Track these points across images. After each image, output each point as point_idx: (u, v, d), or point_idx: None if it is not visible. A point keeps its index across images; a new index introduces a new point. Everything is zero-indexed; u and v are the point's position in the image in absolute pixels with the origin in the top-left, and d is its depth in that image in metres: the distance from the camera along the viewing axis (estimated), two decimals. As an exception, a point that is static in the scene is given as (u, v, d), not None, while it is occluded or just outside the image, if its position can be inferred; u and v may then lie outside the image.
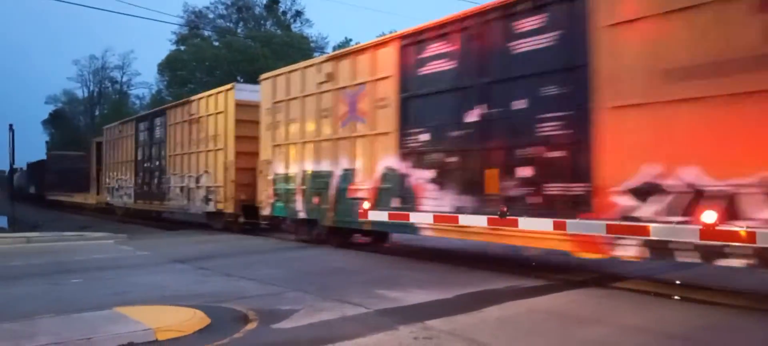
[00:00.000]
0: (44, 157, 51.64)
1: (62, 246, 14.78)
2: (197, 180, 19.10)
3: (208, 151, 18.49)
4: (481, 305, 7.22)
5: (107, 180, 27.62)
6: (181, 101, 21.51)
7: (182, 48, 50.80)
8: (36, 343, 5.35)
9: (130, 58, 72.09)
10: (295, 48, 48.02)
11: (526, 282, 8.74)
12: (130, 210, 24.85)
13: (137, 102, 68.98)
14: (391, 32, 14.00)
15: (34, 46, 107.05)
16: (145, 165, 23.08)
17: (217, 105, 18.33)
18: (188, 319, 6.30)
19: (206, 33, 51.99)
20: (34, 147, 70.59)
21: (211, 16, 53.83)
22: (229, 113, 17.60)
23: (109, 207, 27.63)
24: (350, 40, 56.41)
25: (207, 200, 18.58)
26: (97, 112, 73.15)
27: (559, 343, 5.65)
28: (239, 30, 53.06)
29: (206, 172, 18.63)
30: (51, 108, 77.85)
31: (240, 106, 17.36)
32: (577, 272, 9.42)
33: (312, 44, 53.09)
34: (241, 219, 17.36)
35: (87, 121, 73.98)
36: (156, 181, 22.16)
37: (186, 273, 10.30)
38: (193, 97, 20.38)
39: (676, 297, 7.54)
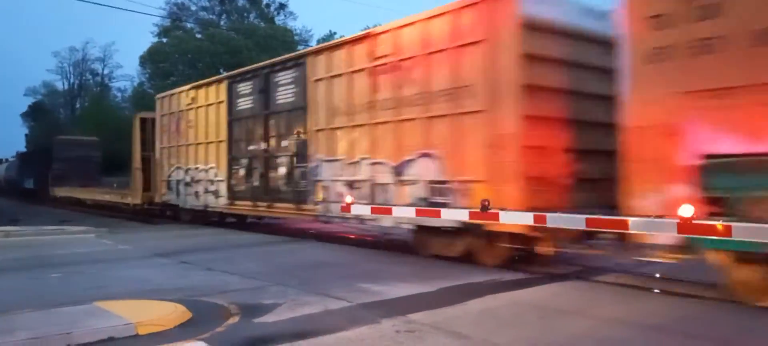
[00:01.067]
0: (25, 147, 50.51)
1: (42, 240, 14.61)
2: (397, 172, 10.89)
3: (434, 117, 10.18)
4: (463, 298, 7.27)
5: (166, 171, 19.47)
6: (349, 38, 12.43)
7: (164, 40, 50.30)
8: (15, 338, 5.28)
9: (111, 51, 71.19)
10: (278, 40, 47.78)
11: (508, 275, 8.81)
12: (218, 213, 17.42)
13: (119, 95, 68.23)
14: (375, 26, 13.96)
15: (12, 37, 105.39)
16: (252, 148, 15.32)
17: (458, 30, 9.83)
18: (169, 313, 6.27)
19: (189, 25, 51.53)
20: (13, 140, 69.61)
21: (193, 8, 53.38)
22: (503, 45, 9.07)
23: (166, 209, 20.19)
24: (335, 33, 56.26)
25: (438, 201, 10.02)
26: (77, 105, 72.25)
27: (540, 335, 5.71)
28: (222, 22, 52.65)
29: (427, 155, 10.31)
30: (30, 100, 76.71)
31: (529, 28, 8.96)
32: (559, 265, 9.51)
33: (296, 37, 52.83)
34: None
35: (67, 113, 73.05)
36: (282, 171, 14.29)
37: (167, 267, 10.23)
38: (377, 29, 11.81)
39: (656, 290, 7.65)
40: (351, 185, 11.88)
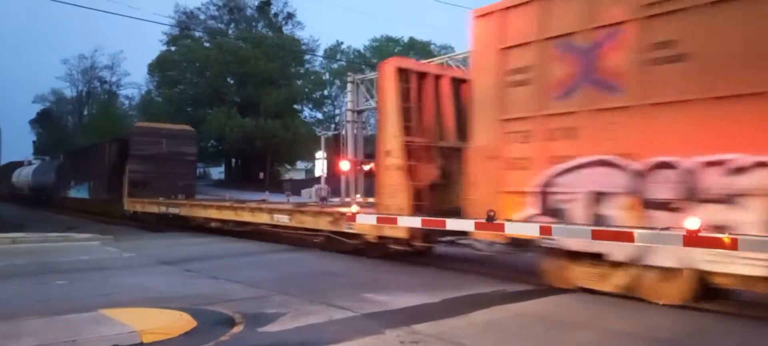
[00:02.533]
0: (33, 153, 50.03)
1: (48, 247, 14.66)
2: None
3: None
4: (467, 309, 7.23)
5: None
6: None
7: (173, 49, 50.55)
8: (20, 344, 5.30)
9: (119, 58, 71.53)
10: (286, 49, 47.95)
11: (514, 287, 8.76)
12: None
13: (126, 102, 68.59)
14: (382, 36, 14.07)
15: (22, 44, 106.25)
16: None
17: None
18: (174, 321, 6.27)
19: (197, 34, 51.80)
20: (21, 146, 69.95)
21: (202, 16, 53.66)
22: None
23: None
24: (341, 43, 56.46)
25: None
26: (85, 112, 72.66)
27: (544, 348, 5.67)
28: (230, 31, 52.91)
29: None
30: (39, 107, 77.20)
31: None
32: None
33: (303, 46, 53.01)
34: None
35: (75, 121, 73.49)
36: None
37: (172, 275, 10.24)
38: None
39: (660, 303, 7.58)
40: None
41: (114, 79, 72.24)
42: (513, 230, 8.35)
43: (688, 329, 6.35)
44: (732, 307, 7.16)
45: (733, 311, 7.04)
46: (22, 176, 42.86)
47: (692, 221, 6.31)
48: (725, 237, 6.17)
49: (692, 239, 6.34)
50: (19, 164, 47.04)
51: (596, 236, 7.35)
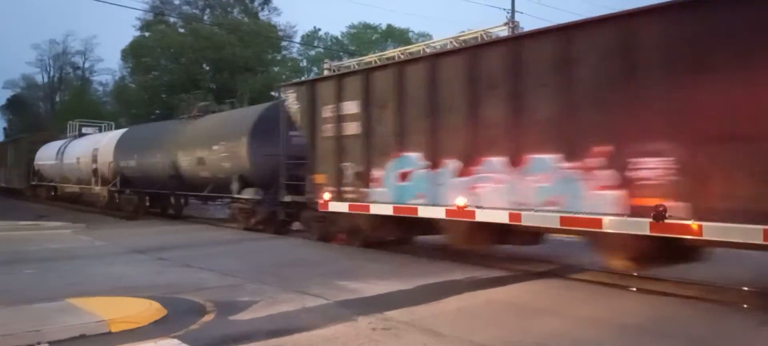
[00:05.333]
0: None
1: (17, 236, 14.39)
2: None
3: None
4: (440, 296, 7.28)
5: None
6: None
7: (147, 34, 49.71)
8: (-18, 335, 5.19)
9: (92, 44, 70.09)
10: (262, 36, 47.47)
11: (486, 273, 8.83)
12: None
13: (100, 88, 67.39)
14: (360, 23, 14.20)
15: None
16: None
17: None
18: (144, 310, 6.20)
19: (171, 19, 50.99)
20: (-10, 133, 68.39)
21: (176, 2, 52.80)
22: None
23: None
24: (319, 29, 56.05)
25: None
26: (57, 98, 71.23)
27: (515, 334, 5.72)
28: (205, 17, 52.19)
29: None
30: (9, 93, 75.50)
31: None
32: (536, 263, 9.56)
33: (280, 33, 52.55)
34: None
35: (47, 107, 72.02)
36: None
37: (145, 264, 10.12)
38: None
39: (632, 289, 7.70)
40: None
41: (87, 64, 70.88)
42: (483, 216, 8.55)
43: (655, 315, 6.46)
44: (696, 292, 7.32)
45: (699, 295, 7.19)
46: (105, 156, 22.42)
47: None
48: (694, 224, 6.33)
49: (658, 226, 6.52)
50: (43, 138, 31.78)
51: (564, 222, 7.59)
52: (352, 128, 11.18)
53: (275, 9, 55.30)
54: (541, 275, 8.72)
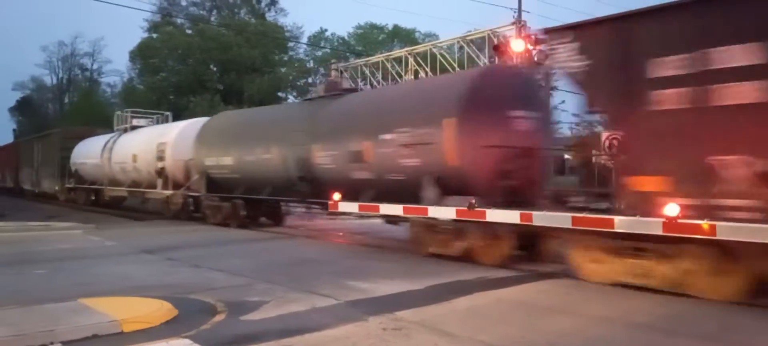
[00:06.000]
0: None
1: (28, 236, 14.48)
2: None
3: None
4: (450, 295, 7.27)
5: None
6: None
7: (154, 35, 49.91)
8: (-4, 335, 5.23)
9: (100, 45, 70.36)
10: (269, 37, 47.56)
11: (496, 273, 8.82)
12: None
13: (108, 90, 67.66)
14: (366, 23, 14.02)
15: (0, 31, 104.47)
16: None
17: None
18: (155, 310, 6.22)
19: (179, 21, 51.18)
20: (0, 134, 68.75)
21: (183, 3, 53.00)
22: None
23: None
24: (325, 30, 56.09)
25: None
26: (66, 100, 71.59)
27: (526, 333, 5.71)
28: (212, 18, 52.35)
29: None
30: (18, 95, 75.93)
31: None
32: (546, 263, 9.52)
33: (287, 33, 52.63)
34: None
35: (56, 108, 72.38)
36: None
37: (154, 264, 10.17)
38: None
39: (643, 288, 7.67)
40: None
41: (95, 66, 71.18)
42: (494, 217, 8.49)
43: (665, 313, 6.44)
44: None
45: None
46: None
47: (672, 208, 6.43)
48: (705, 223, 6.30)
49: (672, 226, 6.48)
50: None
51: (576, 222, 7.51)
52: (742, 92, 6.47)
53: (282, 10, 55.45)
54: (550, 276, 8.69)
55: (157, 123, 23.84)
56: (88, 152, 24.89)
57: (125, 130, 23.84)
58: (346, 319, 6.13)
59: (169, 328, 5.85)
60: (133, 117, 24.44)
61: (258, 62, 46.35)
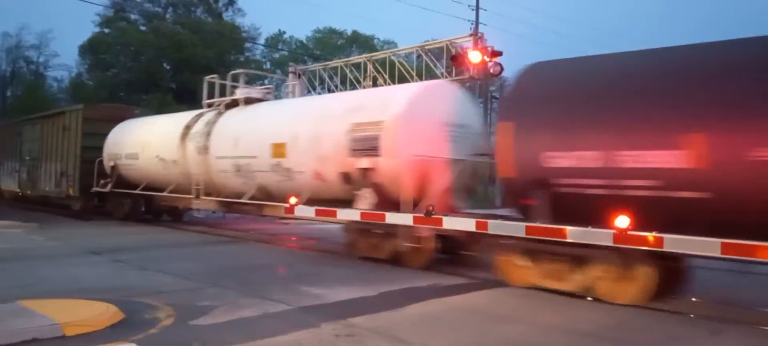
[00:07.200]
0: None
1: (-36, 234, 13.82)
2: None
3: None
4: (403, 302, 7.29)
5: None
6: None
7: (106, 30, 48.56)
8: (-73, 338, 4.97)
9: (48, 38, 67.97)
10: (226, 37, 46.90)
11: (449, 280, 8.89)
12: None
13: (55, 84, 65.37)
14: (325, 28, 13.92)
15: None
16: None
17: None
18: (100, 313, 6.02)
19: (132, 16, 49.95)
20: (-63, 127, 65.50)
21: (138, -1, 51.77)
22: None
23: None
24: (284, 32, 55.68)
25: None
26: (9, 93, 68.84)
27: (477, 340, 5.78)
28: (168, 15, 51.30)
29: None
30: (-43, 86, 72.55)
31: None
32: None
33: (244, 34, 52.01)
34: None
35: (-2, 101, 69.50)
36: None
37: (100, 265, 9.85)
38: None
39: (589, 298, 7.85)
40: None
41: (41, 59, 68.69)
42: (450, 224, 8.60)
43: (611, 323, 6.61)
44: (650, 301, 7.50)
45: (652, 305, 7.37)
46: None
47: (622, 220, 6.64)
48: (650, 236, 6.51)
49: (621, 237, 6.68)
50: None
51: (529, 231, 7.67)
52: None
53: (239, 10, 54.72)
54: (502, 283, 8.79)
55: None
56: (148, 141, 16.60)
57: (223, 108, 14.73)
58: (299, 325, 6.07)
59: (114, 332, 5.67)
60: (233, 86, 15.38)
61: (213, 62, 45.59)
